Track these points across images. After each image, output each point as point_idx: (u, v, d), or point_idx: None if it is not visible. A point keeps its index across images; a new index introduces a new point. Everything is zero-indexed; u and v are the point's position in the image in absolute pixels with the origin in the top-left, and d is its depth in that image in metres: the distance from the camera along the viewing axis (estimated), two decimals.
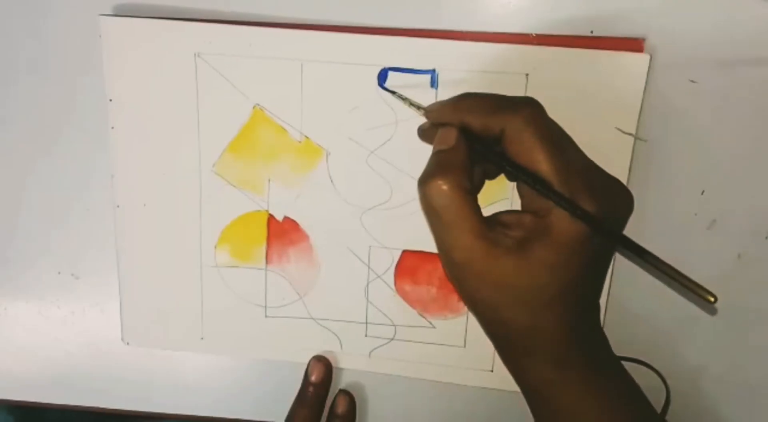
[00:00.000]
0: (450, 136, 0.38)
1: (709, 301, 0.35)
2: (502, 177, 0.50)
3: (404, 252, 0.53)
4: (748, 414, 0.54)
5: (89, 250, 0.57)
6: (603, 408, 0.39)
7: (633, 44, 0.47)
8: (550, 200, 0.36)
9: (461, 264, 0.37)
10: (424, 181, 0.37)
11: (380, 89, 0.50)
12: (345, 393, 0.56)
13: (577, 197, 0.35)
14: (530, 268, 0.36)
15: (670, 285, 0.35)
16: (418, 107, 0.44)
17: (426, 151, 0.50)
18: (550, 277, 0.36)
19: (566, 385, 0.39)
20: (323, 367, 0.55)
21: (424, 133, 0.43)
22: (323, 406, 0.56)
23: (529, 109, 0.37)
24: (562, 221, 0.36)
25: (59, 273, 0.57)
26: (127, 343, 0.57)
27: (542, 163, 0.36)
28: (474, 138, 0.38)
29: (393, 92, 0.48)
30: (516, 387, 0.54)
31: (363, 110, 0.50)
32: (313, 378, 0.55)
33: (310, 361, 0.56)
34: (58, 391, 0.60)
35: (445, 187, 0.36)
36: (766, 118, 0.48)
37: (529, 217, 0.37)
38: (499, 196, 0.51)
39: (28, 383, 0.60)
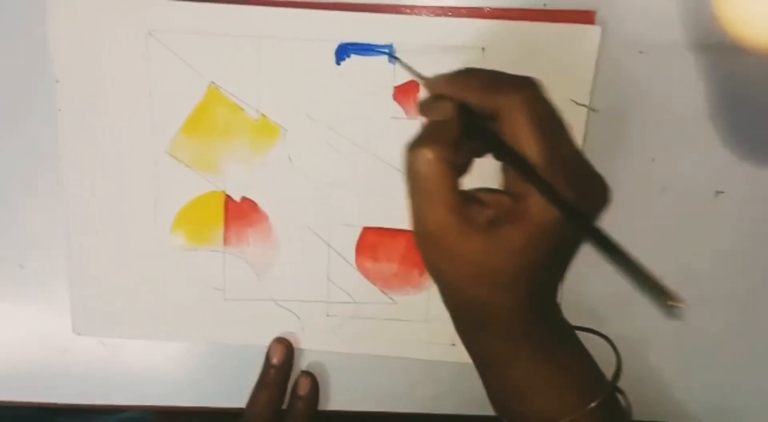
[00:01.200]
0: (447, 109, 0.38)
1: (677, 308, 0.36)
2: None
3: (365, 229, 0.53)
4: (694, 375, 0.57)
5: (36, 239, 0.55)
6: (552, 379, 0.40)
7: (585, 17, 0.49)
8: (531, 184, 0.36)
9: (431, 235, 0.37)
10: (412, 147, 0.37)
11: (337, 65, 0.50)
12: (307, 374, 0.56)
13: (557, 184, 0.35)
14: (498, 249, 0.36)
15: (636, 286, 0.35)
16: (420, 77, 0.43)
17: (385, 127, 0.51)
18: (515, 260, 0.36)
19: (517, 358, 0.39)
20: (284, 349, 0.55)
21: (424, 107, 0.42)
22: (285, 388, 0.55)
23: (528, 90, 0.37)
24: (538, 206, 0.36)
25: (4, 263, 0.55)
26: (78, 334, 0.56)
27: (531, 147, 0.35)
28: (470, 114, 0.38)
29: (398, 59, 0.48)
30: None
31: (321, 87, 0.50)
32: (274, 361, 0.55)
33: (270, 343, 0.55)
34: (3, 388, 0.58)
35: (430, 156, 0.36)
36: (711, 86, 0.51)
37: (507, 199, 0.38)
38: None
39: None
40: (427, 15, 0.49)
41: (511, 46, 0.49)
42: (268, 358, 0.55)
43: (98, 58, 0.50)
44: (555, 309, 0.41)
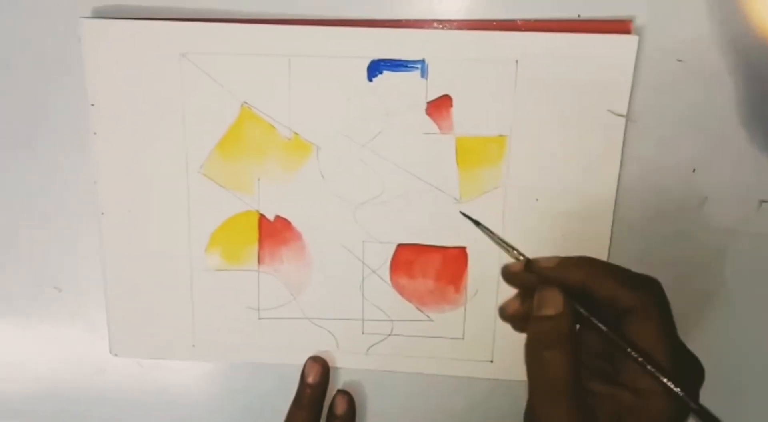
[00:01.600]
0: (557, 301, 0.37)
1: None
2: (497, 164, 0.50)
3: (399, 246, 0.53)
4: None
5: (72, 261, 0.55)
6: None
7: (621, 26, 0.48)
8: (657, 385, 0.36)
9: None
10: (541, 347, 0.37)
11: (369, 82, 0.49)
12: (344, 393, 0.55)
13: (676, 378, 0.36)
14: None
15: None
16: (513, 251, 0.41)
17: (418, 143, 0.51)
18: None
19: None
20: (320, 368, 0.54)
21: (511, 276, 0.41)
22: (321, 407, 0.55)
23: (657, 288, 0.37)
24: (661, 403, 0.36)
25: (40, 285, 0.56)
26: (115, 355, 0.56)
27: (660, 347, 0.36)
28: (588, 305, 0.38)
29: (477, 223, 0.43)
30: (516, 377, 0.54)
31: (353, 104, 0.50)
32: (309, 380, 0.54)
33: (306, 362, 0.55)
34: (41, 410, 0.58)
35: (559, 359, 0.36)
36: (751, 93, 0.49)
37: (628, 395, 0.37)
38: (492, 184, 0.51)
39: (9, 402, 0.58)
40: (458, 29, 0.49)
41: (545, 58, 0.48)
42: (303, 377, 0.55)
43: (132, 81, 0.51)
44: None
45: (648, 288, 0.37)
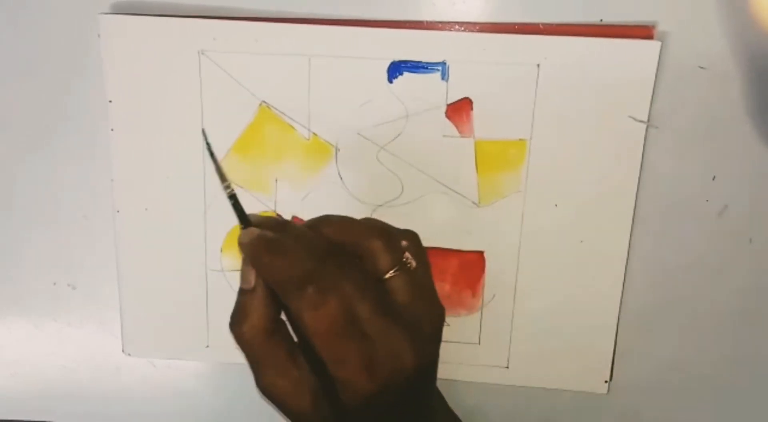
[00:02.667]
0: (249, 277, 0.38)
1: None
2: (517, 168, 0.50)
3: None
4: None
5: (87, 259, 0.55)
6: None
7: (643, 31, 0.48)
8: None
9: (265, 392, 0.39)
10: (230, 327, 0.39)
11: (389, 83, 0.49)
12: None
13: (351, 380, 0.37)
14: (323, 414, 0.38)
15: None
16: (240, 219, 0.40)
17: (437, 145, 0.50)
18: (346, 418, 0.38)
19: None
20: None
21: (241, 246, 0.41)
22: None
23: (314, 292, 0.36)
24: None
25: (55, 283, 0.55)
26: (129, 354, 0.55)
27: (320, 347, 0.36)
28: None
29: (208, 145, 0.41)
30: (532, 383, 0.54)
31: (372, 105, 0.50)
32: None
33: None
34: (54, 408, 0.58)
35: (247, 335, 0.38)
36: None
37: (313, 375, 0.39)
38: (512, 188, 0.51)
39: (22, 400, 0.58)
40: (480, 32, 0.49)
41: (567, 63, 0.48)
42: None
43: (150, 78, 0.50)
44: None
45: (301, 294, 0.36)
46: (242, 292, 0.39)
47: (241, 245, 0.38)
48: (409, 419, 0.40)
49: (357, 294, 0.37)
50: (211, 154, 0.41)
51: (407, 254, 0.39)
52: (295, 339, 0.39)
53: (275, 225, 0.39)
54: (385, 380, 0.37)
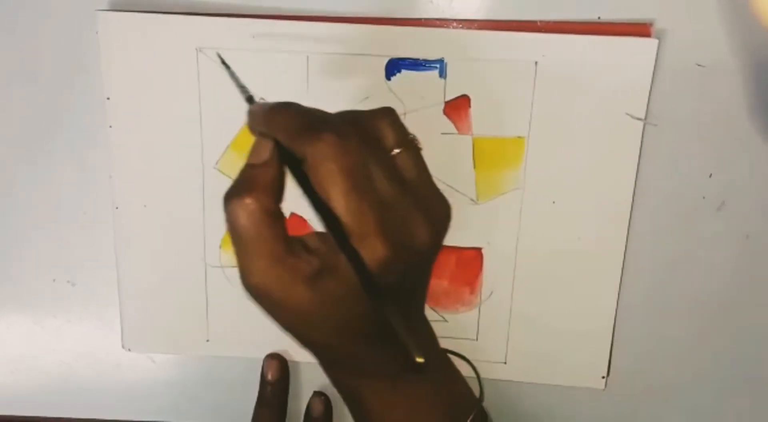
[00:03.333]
0: (264, 150, 0.36)
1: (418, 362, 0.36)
2: (515, 166, 0.50)
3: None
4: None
5: (86, 256, 0.55)
6: (413, 410, 0.40)
7: (641, 29, 0.48)
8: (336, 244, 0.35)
9: (257, 287, 0.35)
10: (229, 197, 0.35)
11: (387, 81, 0.49)
12: (319, 394, 0.56)
13: (367, 239, 0.34)
14: (323, 301, 0.35)
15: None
16: (245, 94, 0.41)
17: (435, 143, 0.50)
18: (341, 311, 0.35)
19: (373, 391, 0.39)
20: (278, 364, 0.55)
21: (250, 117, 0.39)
22: (285, 404, 0.55)
23: (332, 135, 0.34)
24: (346, 263, 0.34)
25: (54, 280, 0.55)
26: (128, 349, 0.56)
27: (337, 200, 0.34)
28: (286, 156, 0.36)
29: (226, 66, 0.43)
30: (530, 379, 0.55)
31: (371, 102, 0.50)
32: (269, 377, 0.55)
33: (264, 360, 0.55)
34: (54, 404, 0.58)
35: (249, 207, 0.34)
36: None
37: (326, 248, 0.36)
38: (510, 185, 0.51)
39: (22, 396, 0.58)
40: (478, 29, 0.49)
41: (565, 60, 0.48)
42: (263, 376, 0.55)
43: (148, 75, 0.50)
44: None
45: (320, 137, 0.34)
46: (250, 167, 0.36)
47: (252, 113, 0.37)
48: (419, 302, 0.39)
49: (375, 154, 0.35)
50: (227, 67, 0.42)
51: (413, 134, 0.38)
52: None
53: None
54: (401, 249, 0.34)
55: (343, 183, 0.33)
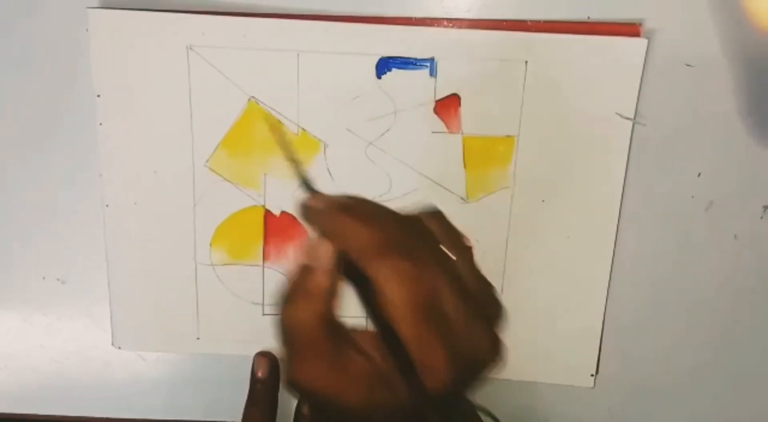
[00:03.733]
0: (324, 256, 0.34)
1: None
2: (504, 164, 0.50)
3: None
4: None
5: (76, 253, 0.55)
6: None
7: (630, 29, 0.48)
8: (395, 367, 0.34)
9: (308, 387, 0.35)
10: (287, 301, 0.34)
11: (378, 79, 0.49)
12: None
13: (434, 371, 0.33)
14: (368, 403, 0.34)
15: None
16: (302, 178, 0.37)
17: (425, 141, 0.51)
18: (384, 412, 0.35)
19: None
20: (268, 362, 0.55)
21: (304, 210, 0.37)
22: (275, 402, 0.55)
23: (406, 261, 0.33)
24: (397, 381, 0.34)
25: (44, 278, 0.55)
26: (118, 347, 0.56)
27: (405, 330, 0.33)
28: (348, 266, 0.34)
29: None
30: (521, 377, 0.55)
31: (361, 101, 0.50)
32: (259, 375, 0.55)
33: (254, 358, 0.55)
34: (44, 402, 0.58)
35: (305, 314, 0.34)
36: (759, 100, 0.50)
37: (379, 356, 0.35)
38: (500, 184, 0.51)
39: (11, 394, 0.58)
40: (468, 28, 0.49)
41: (554, 59, 0.48)
42: (253, 373, 0.55)
43: (138, 73, 0.50)
44: None
45: (386, 257, 0.33)
46: (306, 269, 0.34)
47: (313, 210, 0.35)
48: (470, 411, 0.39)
49: (442, 271, 0.34)
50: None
51: (463, 235, 0.37)
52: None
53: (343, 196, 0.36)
54: (466, 370, 0.34)
55: (413, 313, 0.32)
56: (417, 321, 0.33)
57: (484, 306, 0.36)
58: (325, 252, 0.34)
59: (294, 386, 0.35)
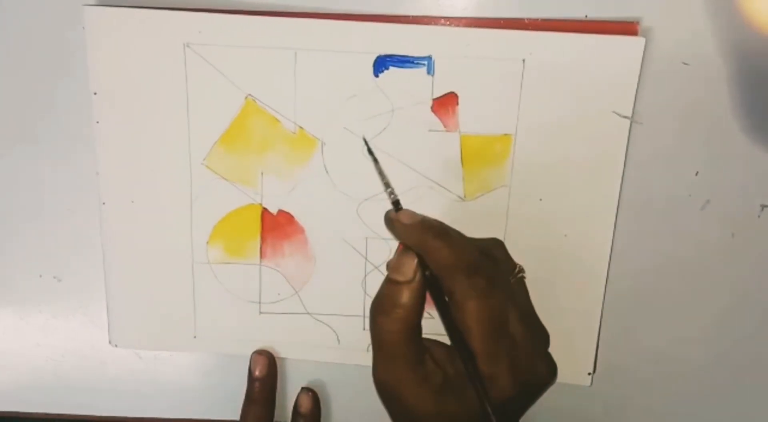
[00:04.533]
0: (409, 269, 0.39)
1: None
2: (502, 163, 0.50)
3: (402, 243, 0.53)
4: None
5: (72, 251, 0.55)
6: None
7: (628, 28, 0.48)
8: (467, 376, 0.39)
9: (390, 388, 0.40)
10: (376, 312, 0.39)
11: (375, 77, 0.49)
12: (307, 390, 0.56)
13: (497, 380, 0.38)
14: (439, 410, 0.39)
15: None
16: (392, 197, 0.45)
17: (423, 140, 0.50)
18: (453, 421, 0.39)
19: None
20: (266, 361, 0.55)
21: (391, 223, 0.43)
22: (273, 400, 0.55)
23: (483, 280, 0.38)
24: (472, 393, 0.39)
25: (41, 276, 0.55)
26: (115, 345, 0.56)
27: (475, 340, 0.37)
28: (430, 278, 0.40)
29: (373, 157, 0.48)
30: None
31: (359, 99, 0.50)
32: (257, 374, 0.55)
33: (251, 356, 0.55)
34: (39, 400, 0.58)
35: (395, 324, 0.39)
36: (757, 98, 0.50)
37: (453, 368, 0.40)
38: (497, 182, 0.51)
39: (7, 392, 0.58)
40: (466, 26, 0.49)
41: (552, 58, 0.48)
42: (251, 372, 0.55)
43: (135, 71, 0.50)
44: None
45: (470, 277, 0.38)
46: (394, 283, 0.39)
47: (405, 226, 0.40)
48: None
49: (508, 292, 0.39)
50: (375, 160, 0.47)
51: (518, 264, 0.42)
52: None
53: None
54: (527, 387, 0.39)
55: (484, 326, 0.37)
56: (488, 334, 0.37)
57: (537, 329, 0.41)
58: (411, 267, 0.39)
59: (379, 387, 0.40)
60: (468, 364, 0.38)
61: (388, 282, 0.40)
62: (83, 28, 0.49)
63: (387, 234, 0.52)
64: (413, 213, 0.41)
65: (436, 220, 0.41)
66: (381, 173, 0.47)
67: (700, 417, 0.56)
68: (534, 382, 0.39)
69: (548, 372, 0.40)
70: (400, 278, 0.39)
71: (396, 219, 0.41)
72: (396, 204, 0.44)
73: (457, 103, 0.50)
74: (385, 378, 0.39)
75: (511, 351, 0.38)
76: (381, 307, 0.39)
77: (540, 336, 0.41)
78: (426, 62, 0.49)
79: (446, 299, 0.39)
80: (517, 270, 0.42)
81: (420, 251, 0.39)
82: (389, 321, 0.39)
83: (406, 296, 0.39)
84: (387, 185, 0.46)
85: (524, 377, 0.38)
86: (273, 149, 0.51)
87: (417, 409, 0.39)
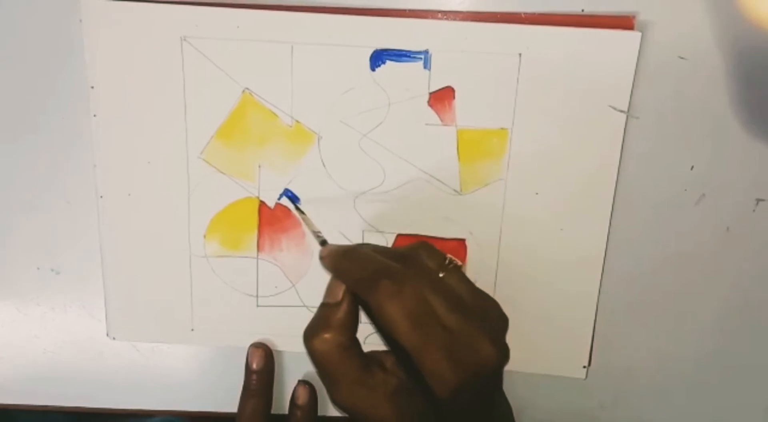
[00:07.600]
0: (337, 291, 0.41)
1: None
2: (498, 157, 0.51)
3: (398, 236, 0.53)
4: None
5: (70, 244, 0.55)
6: None
7: (624, 22, 0.48)
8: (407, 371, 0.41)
9: (343, 405, 0.41)
10: (308, 334, 0.41)
11: (372, 72, 0.49)
12: (304, 383, 0.56)
13: (436, 373, 0.38)
14: (400, 414, 0.41)
15: None
16: (319, 239, 0.49)
17: (419, 134, 0.51)
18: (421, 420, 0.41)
19: None
20: (263, 353, 0.55)
21: (320, 259, 0.46)
22: (270, 393, 0.56)
23: (387, 281, 0.39)
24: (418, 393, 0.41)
25: (38, 268, 0.55)
26: (113, 338, 0.56)
27: (404, 340, 0.38)
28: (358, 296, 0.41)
29: (299, 210, 0.52)
30: (511, 368, 0.55)
31: (355, 93, 0.50)
32: (254, 366, 0.55)
33: (249, 349, 0.55)
34: (37, 392, 0.58)
35: (327, 343, 0.40)
36: (752, 93, 0.50)
37: (402, 372, 0.42)
38: (493, 176, 0.51)
39: (5, 384, 0.58)
40: (462, 20, 0.49)
41: (548, 52, 0.48)
42: (248, 365, 0.55)
43: (132, 64, 0.50)
44: None
45: (377, 286, 0.39)
46: (326, 306, 0.42)
47: (323, 259, 0.44)
48: (490, 412, 0.43)
49: (428, 286, 0.39)
50: (301, 212, 0.51)
51: (448, 255, 0.43)
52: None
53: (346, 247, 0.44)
54: (471, 373, 0.39)
55: (405, 324, 0.38)
56: (411, 331, 0.38)
57: (482, 316, 0.41)
58: (340, 289, 0.41)
59: (339, 408, 0.41)
60: (406, 364, 0.40)
61: (321, 306, 0.42)
62: (80, 21, 0.49)
63: (384, 227, 0.52)
64: (332, 246, 0.45)
65: (352, 245, 0.46)
66: (308, 223, 0.51)
67: (695, 409, 0.57)
68: (482, 368, 0.39)
69: (497, 354, 0.40)
70: (330, 300, 0.41)
71: (320, 254, 0.44)
72: (323, 243, 0.48)
73: (454, 97, 0.50)
74: (338, 398, 0.41)
75: (444, 339, 0.39)
76: (313, 331, 0.41)
77: (487, 321, 0.42)
78: (423, 56, 0.49)
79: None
80: (447, 261, 0.42)
81: (336, 275, 0.42)
82: (320, 341, 0.40)
83: (336, 317, 0.41)
84: (315, 233, 0.50)
85: (467, 365, 0.39)
86: (270, 143, 0.51)
87: (377, 418, 0.40)
